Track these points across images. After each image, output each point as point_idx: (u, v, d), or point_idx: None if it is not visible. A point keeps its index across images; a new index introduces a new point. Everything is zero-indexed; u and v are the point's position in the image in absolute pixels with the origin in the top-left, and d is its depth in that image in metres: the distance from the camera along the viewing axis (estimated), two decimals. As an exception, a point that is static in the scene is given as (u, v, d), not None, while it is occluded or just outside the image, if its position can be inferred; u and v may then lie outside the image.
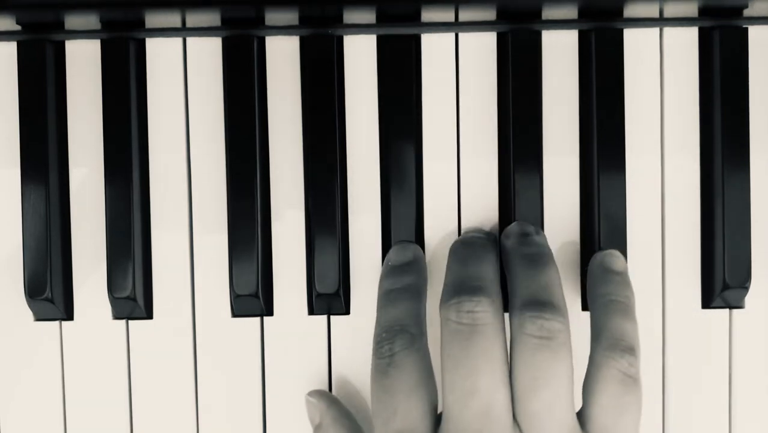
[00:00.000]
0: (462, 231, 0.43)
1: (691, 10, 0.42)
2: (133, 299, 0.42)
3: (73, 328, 0.44)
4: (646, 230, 0.43)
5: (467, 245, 0.40)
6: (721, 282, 0.42)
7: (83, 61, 0.43)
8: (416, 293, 0.40)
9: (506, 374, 0.36)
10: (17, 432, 0.44)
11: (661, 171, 0.43)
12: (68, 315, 0.44)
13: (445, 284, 0.38)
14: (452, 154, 0.43)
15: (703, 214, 0.43)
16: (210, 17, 0.42)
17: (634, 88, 0.43)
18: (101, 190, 0.43)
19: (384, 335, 0.38)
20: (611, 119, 0.42)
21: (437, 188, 0.43)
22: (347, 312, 0.43)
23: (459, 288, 0.37)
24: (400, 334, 0.37)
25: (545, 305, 0.36)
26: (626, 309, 0.38)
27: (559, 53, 0.43)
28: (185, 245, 0.43)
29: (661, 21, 0.43)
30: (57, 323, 0.44)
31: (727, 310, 0.43)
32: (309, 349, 0.43)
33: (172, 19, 0.42)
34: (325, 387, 0.44)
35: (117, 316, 0.43)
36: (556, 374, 0.35)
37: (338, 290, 0.42)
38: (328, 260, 0.42)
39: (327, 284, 0.42)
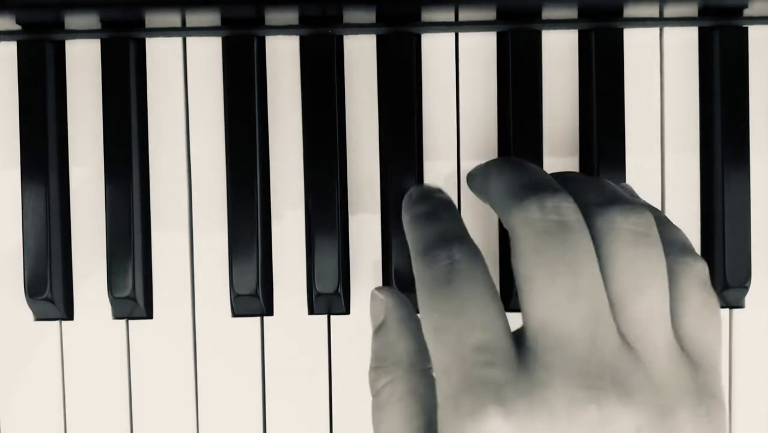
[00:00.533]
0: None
1: (691, 10, 0.42)
2: (133, 298, 0.42)
3: (73, 328, 0.44)
4: (646, 230, 0.43)
5: (507, 160, 0.34)
6: (722, 281, 0.42)
7: (83, 61, 0.43)
8: (457, 212, 0.34)
9: (597, 264, 0.30)
10: (17, 432, 0.44)
11: (661, 170, 0.43)
12: (68, 315, 0.44)
13: (505, 191, 0.32)
14: (452, 154, 0.43)
15: (703, 213, 0.43)
16: (210, 17, 0.42)
17: (634, 87, 0.43)
18: (101, 190, 0.43)
19: (437, 242, 0.31)
20: (611, 119, 0.42)
21: (437, 188, 0.43)
22: (347, 312, 0.43)
23: (530, 187, 0.31)
24: (457, 242, 0.31)
25: (631, 202, 0.31)
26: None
27: (559, 53, 0.43)
28: (185, 245, 0.43)
29: (661, 21, 0.43)
30: (57, 322, 0.44)
31: (727, 309, 0.44)
32: (309, 349, 0.43)
33: (172, 18, 0.42)
34: (325, 387, 0.44)
35: (117, 316, 0.43)
36: (658, 271, 0.30)
37: (338, 289, 0.42)
38: (328, 260, 0.42)
39: (327, 284, 0.42)
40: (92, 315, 0.44)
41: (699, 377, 0.30)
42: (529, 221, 0.30)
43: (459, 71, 0.43)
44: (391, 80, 0.43)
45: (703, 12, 0.42)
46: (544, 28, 0.43)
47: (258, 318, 0.44)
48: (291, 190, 0.43)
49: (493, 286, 0.30)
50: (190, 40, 0.43)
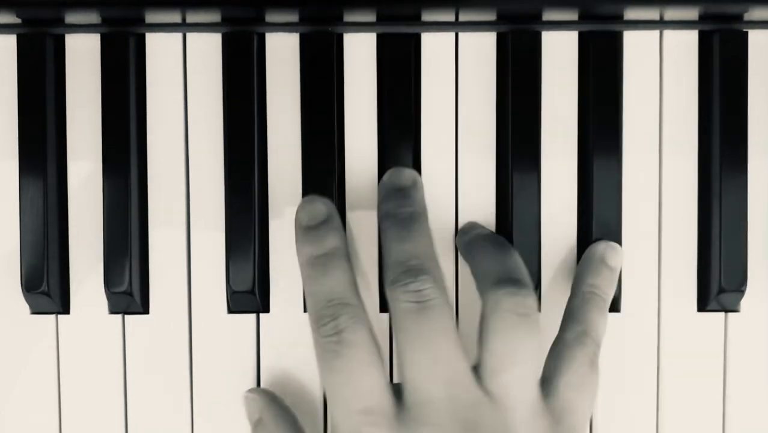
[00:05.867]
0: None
1: (692, 14, 0.42)
2: (129, 293, 0.42)
3: (69, 322, 0.44)
4: (642, 232, 0.43)
5: (399, 221, 0.40)
6: (717, 285, 0.42)
7: (83, 55, 0.43)
8: (343, 256, 0.39)
9: (459, 342, 0.37)
10: (13, 425, 0.44)
11: (659, 173, 0.43)
12: (64, 309, 0.44)
13: (386, 264, 0.39)
14: (450, 153, 0.43)
15: (700, 216, 0.43)
16: (210, 14, 0.42)
17: (633, 90, 0.43)
18: (99, 185, 0.43)
19: (324, 311, 0.37)
20: (609, 121, 0.42)
21: (435, 187, 0.43)
22: (343, 310, 0.43)
23: (401, 269, 0.37)
24: (342, 309, 0.37)
25: (520, 282, 0.38)
26: (604, 306, 0.41)
27: (559, 54, 0.43)
28: (182, 241, 0.43)
29: (661, 24, 0.43)
30: (53, 316, 0.44)
31: (723, 313, 0.44)
32: (304, 345, 0.43)
33: (172, 15, 0.42)
34: (320, 383, 0.44)
35: (113, 310, 0.43)
36: (531, 349, 0.37)
37: (334, 287, 0.42)
38: (324, 258, 0.42)
39: (323, 282, 0.42)
40: (88, 309, 0.44)
41: (558, 430, 0.37)
42: (395, 301, 0.37)
43: (458, 71, 0.43)
44: (391, 79, 0.43)
45: (704, 16, 0.42)
46: (544, 29, 0.43)
47: (254, 315, 0.44)
48: (289, 187, 0.43)
49: (375, 343, 0.37)
50: (189, 36, 0.43)
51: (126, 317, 0.44)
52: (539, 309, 0.39)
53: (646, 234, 0.43)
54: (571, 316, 0.41)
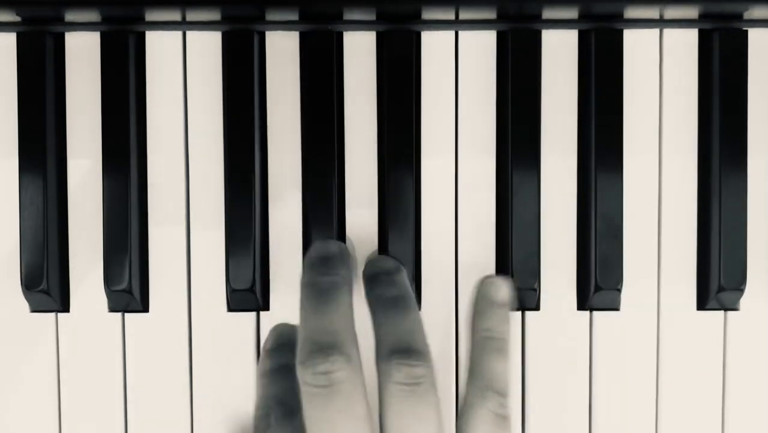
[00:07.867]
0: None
1: (692, 12, 0.42)
2: (129, 291, 0.42)
3: (69, 320, 0.44)
4: (642, 231, 0.43)
5: (317, 291, 0.38)
6: (717, 284, 0.42)
7: (83, 53, 0.43)
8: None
9: (368, 426, 0.36)
10: (13, 424, 0.44)
11: (659, 172, 0.43)
12: (64, 307, 0.44)
13: (300, 339, 0.37)
14: (450, 152, 0.43)
15: (699, 215, 0.43)
16: (210, 13, 0.42)
17: (633, 88, 0.43)
18: (99, 183, 0.43)
19: (265, 406, 0.39)
20: (610, 119, 0.42)
21: (435, 185, 0.43)
22: (343, 308, 0.44)
23: (312, 347, 0.36)
24: (275, 408, 0.38)
25: (410, 351, 0.37)
26: (503, 346, 0.40)
27: (559, 52, 0.43)
28: (182, 239, 0.43)
29: (661, 22, 0.43)
30: (53, 314, 0.44)
31: (722, 312, 0.44)
32: (304, 344, 0.43)
33: (172, 13, 0.42)
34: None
35: (113, 308, 0.43)
36: (423, 418, 0.36)
37: (334, 286, 0.42)
38: (324, 256, 0.42)
39: (323, 280, 0.42)
40: (88, 308, 0.44)
41: None
42: (304, 384, 0.35)
43: (458, 69, 0.43)
44: (391, 77, 0.43)
45: (704, 15, 0.42)
46: (545, 28, 0.43)
47: (254, 313, 0.44)
48: (289, 185, 0.43)
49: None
50: (189, 34, 0.43)
51: (126, 315, 0.44)
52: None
53: (646, 232, 0.43)
54: (471, 370, 0.40)
